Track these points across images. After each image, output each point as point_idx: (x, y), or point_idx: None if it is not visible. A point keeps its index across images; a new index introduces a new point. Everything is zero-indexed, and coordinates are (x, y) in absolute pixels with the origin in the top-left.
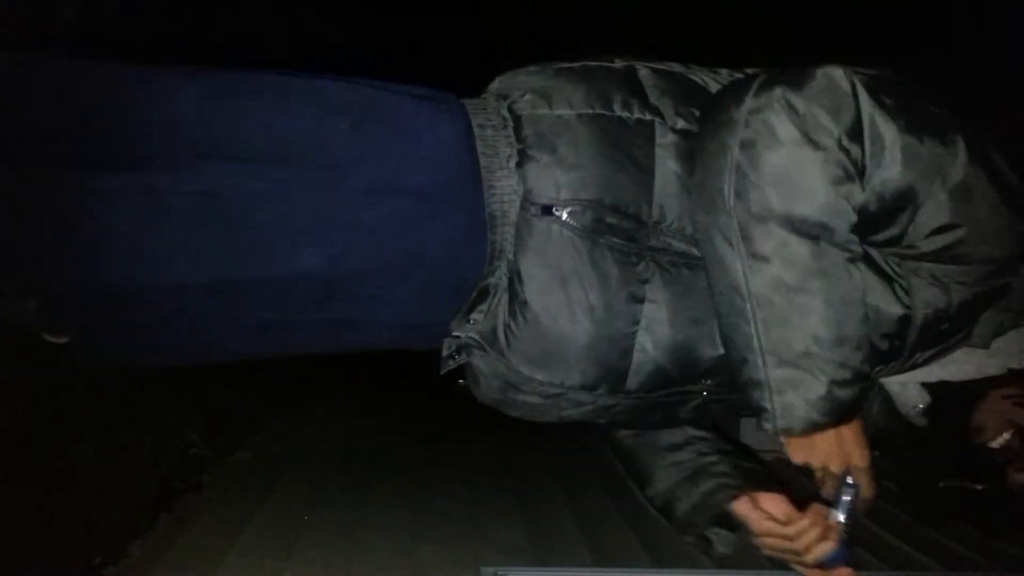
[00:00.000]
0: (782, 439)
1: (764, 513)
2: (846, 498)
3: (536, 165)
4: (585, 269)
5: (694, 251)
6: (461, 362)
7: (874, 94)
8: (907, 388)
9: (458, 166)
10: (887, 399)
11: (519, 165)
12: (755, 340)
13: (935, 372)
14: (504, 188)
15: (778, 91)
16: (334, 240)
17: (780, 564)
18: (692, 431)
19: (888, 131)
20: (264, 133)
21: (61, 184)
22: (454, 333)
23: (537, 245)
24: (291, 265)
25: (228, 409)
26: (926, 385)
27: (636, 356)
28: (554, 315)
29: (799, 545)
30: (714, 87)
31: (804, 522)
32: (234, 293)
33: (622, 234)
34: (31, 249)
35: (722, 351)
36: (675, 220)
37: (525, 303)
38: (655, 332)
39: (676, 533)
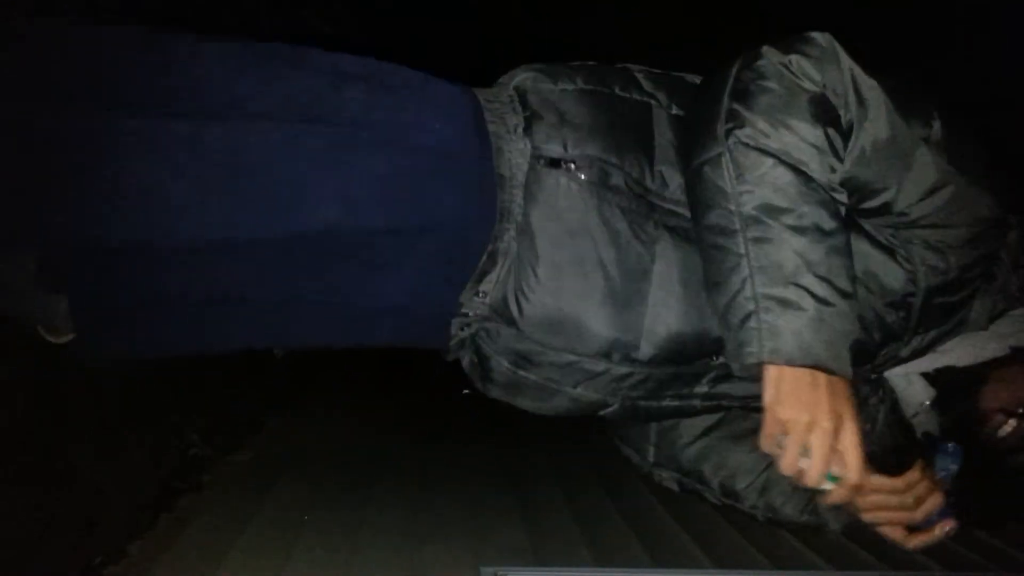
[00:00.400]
0: (768, 383)
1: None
2: (949, 447)
3: (543, 124)
4: (594, 223)
5: None
6: (467, 348)
7: (854, 56)
8: (912, 383)
9: (466, 131)
10: (893, 407)
11: (526, 130)
12: (744, 261)
13: (937, 360)
14: (512, 150)
15: (764, 48)
16: (347, 195)
17: (780, 564)
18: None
19: (870, 87)
20: (280, 91)
21: (83, 124)
22: (463, 310)
23: (547, 198)
24: (301, 218)
25: (228, 409)
26: (929, 378)
27: (649, 318)
28: (565, 269)
29: (909, 499)
30: None
31: (914, 474)
32: (245, 253)
33: (629, 192)
34: (48, 190)
35: None
36: (677, 189)
37: (536, 258)
38: (667, 292)
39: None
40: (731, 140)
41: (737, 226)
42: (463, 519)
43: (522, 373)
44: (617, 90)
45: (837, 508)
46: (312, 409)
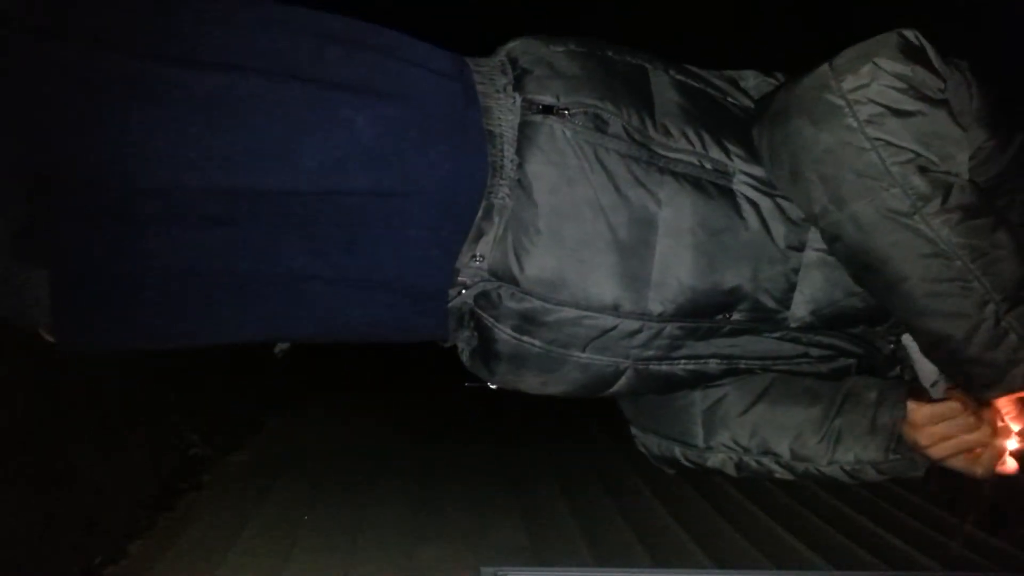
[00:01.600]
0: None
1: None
2: None
3: (533, 77)
4: (592, 167)
5: (706, 166)
6: (466, 324)
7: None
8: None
9: (453, 90)
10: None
11: (517, 88)
12: (985, 292)
13: None
14: (502, 108)
15: (867, 63)
16: (329, 153)
17: (780, 564)
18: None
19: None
20: (266, 46)
21: (70, 61)
22: (460, 278)
23: (542, 145)
24: (283, 175)
25: (228, 409)
26: None
27: (657, 269)
28: (565, 219)
29: (971, 418)
30: (710, 77)
31: (956, 394)
32: (228, 220)
33: (628, 139)
34: (33, 126)
35: (746, 283)
36: (681, 136)
37: (534, 209)
38: (676, 241)
39: (857, 476)
40: (901, 173)
41: (956, 262)
42: (463, 519)
43: (526, 340)
44: (609, 53)
45: (913, 451)
46: (312, 409)
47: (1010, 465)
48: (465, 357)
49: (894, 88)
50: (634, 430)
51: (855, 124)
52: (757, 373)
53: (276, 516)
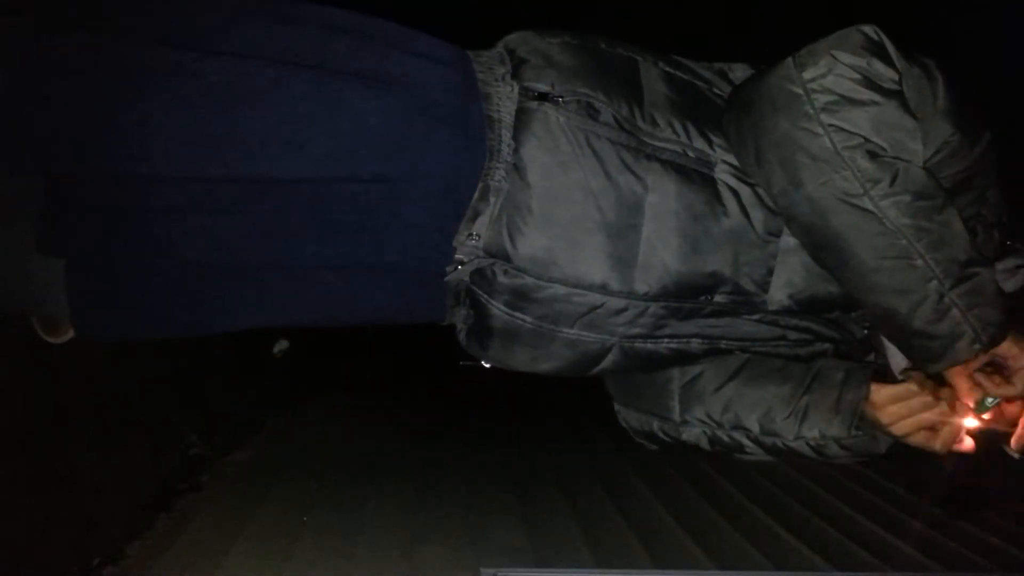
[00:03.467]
0: (967, 361)
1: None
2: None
3: (530, 67)
4: (584, 152)
5: (690, 155)
6: (463, 302)
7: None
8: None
9: (455, 79)
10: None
11: (514, 76)
12: (928, 270)
13: None
14: (500, 95)
15: (826, 56)
16: (335, 138)
17: (780, 564)
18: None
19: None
20: (272, 38)
21: (84, 48)
22: (458, 255)
23: (536, 131)
24: (289, 160)
25: (227, 409)
26: None
27: (643, 251)
28: (557, 200)
29: (928, 397)
30: (698, 69)
31: (917, 375)
32: (239, 208)
33: (618, 128)
34: (46, 113)
35: (727, 268)
36: (668, 126)
37: (528, 190)
38: (661, 225)
39: (823, 451)
40: (853, 158)
41: (902, 241)
42: (463, 519)
43: (518, 315)
44: (602, 45)
45: (876, 430)
46: (312, 409)
47: (967, 444)
48: (462, 337)
49: (849, 78)
50: (617, 406)
51: (811, 111)
52: (735, 354)
53: (275, 516)
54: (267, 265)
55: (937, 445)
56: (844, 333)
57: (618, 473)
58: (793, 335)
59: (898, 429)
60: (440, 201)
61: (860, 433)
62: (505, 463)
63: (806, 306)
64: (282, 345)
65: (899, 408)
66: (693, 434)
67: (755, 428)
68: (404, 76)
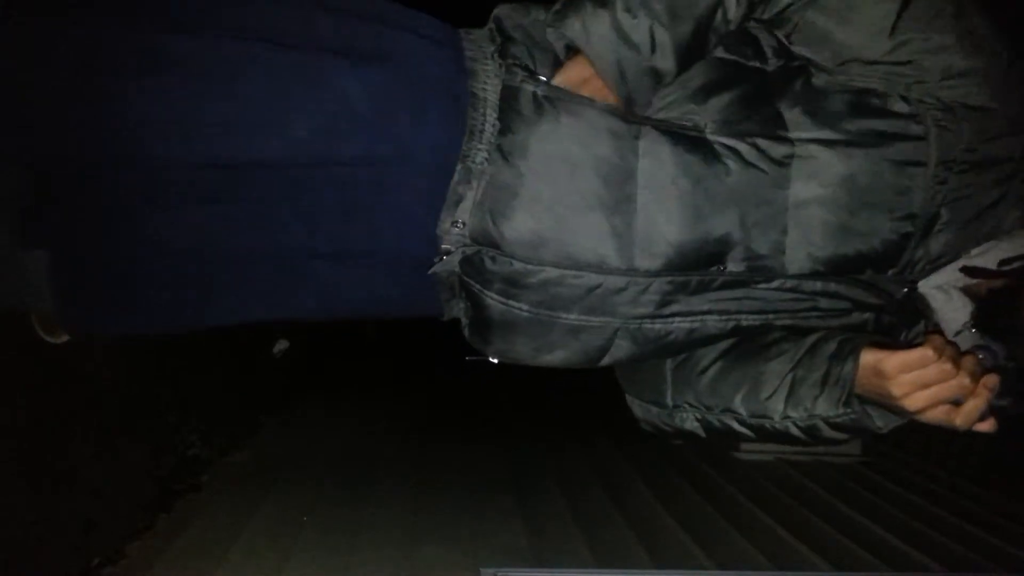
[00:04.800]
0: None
1: (905, 355)
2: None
3: (516, 43)
4: (568, 124)
5: (680, 120)
6: (458, 295)
7: None
8: (952, 298)
9: (442, 55)
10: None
11: (502, 54)
12: None
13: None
14: (487, 72)
15: None
16: (318, 118)
17: (780, 564)
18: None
19: None
20: (255, 16)
21: (66, 32)
22: (444, 245)
23: (521, 109)
24: (273, 141)
25: (227, 409)
26: (968, 295)
27: (641, 223)
28: (541, 175)
29: (947, 365)
30: None
31: (936, 339)
32: (226, 196)
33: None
34: (33, 100)
35: (735, 229)
36: (660, 102)
37: (513, 172)
38: (658, 194)
39: (816, 433)
40: None
41: None
42: (463, 519)
43: (513, 304)
44: None
45: (889, 403)
46: (312, 409)
47: (990, 423)
48: (466, 331)
49: None
50: (628, 398)
51: None
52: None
53: (275, 517)
54: (256, 255)
55: (958, 421)
56: (883, 296)
57: (618, 473)
58: (824, 303)
59: (912, 403)
60: (430, 184)
61: (850, 410)
62: (505, 463)
63: (831, 266)
64: (282, 345)
65: (913, 378)
66: (687, 421)
67: (742, 410)
68: (390, 52)
